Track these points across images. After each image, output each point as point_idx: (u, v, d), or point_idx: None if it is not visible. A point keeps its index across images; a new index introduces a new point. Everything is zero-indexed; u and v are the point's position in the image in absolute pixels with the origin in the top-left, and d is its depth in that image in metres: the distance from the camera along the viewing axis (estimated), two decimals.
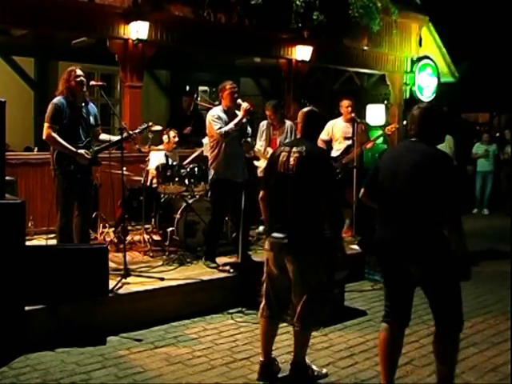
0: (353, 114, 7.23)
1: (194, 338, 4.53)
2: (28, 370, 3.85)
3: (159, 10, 7.26)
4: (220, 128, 5.42)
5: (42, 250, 4.64)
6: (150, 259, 5.86)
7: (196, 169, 6.15)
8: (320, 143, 7.43)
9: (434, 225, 3.15)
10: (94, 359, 4.05)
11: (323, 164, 3.69)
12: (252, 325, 4.74)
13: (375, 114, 10.78)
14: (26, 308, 4.10)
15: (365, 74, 11.64)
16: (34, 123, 9.21)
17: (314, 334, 4.40)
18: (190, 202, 6.13)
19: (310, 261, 3.56)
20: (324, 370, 3.89)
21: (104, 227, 6.42)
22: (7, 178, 4.95)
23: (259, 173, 6.66)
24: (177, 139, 6.87)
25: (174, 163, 6.30)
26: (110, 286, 4.62)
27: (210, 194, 5.86)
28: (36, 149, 8.13)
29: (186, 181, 6.09)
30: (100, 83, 5.43)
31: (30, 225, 6.23)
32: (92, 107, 5.24)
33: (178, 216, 6.06)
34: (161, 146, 6.70)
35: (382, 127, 8.45)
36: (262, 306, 3.82)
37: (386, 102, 11.00)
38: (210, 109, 5.80)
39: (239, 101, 5.54)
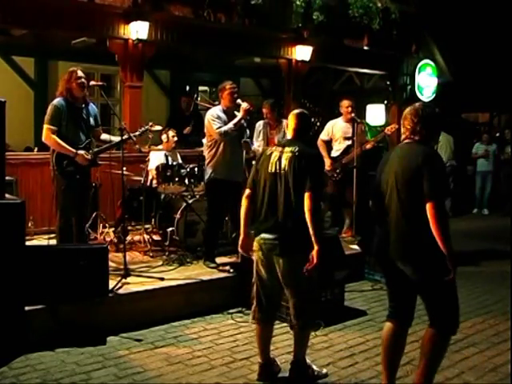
0: (353, 114, 7.23)
1: (194, 338, 4.53)
2: (28, 369, 3.85)
3: (159, 9, 7.27)
4: (219, 127, 5.42)
5: (42, 250, 4.64)
6: (150, 259, 5.86)
7: (196, 169, 6.15)
8: (320, 143, 7.48)
9: (425, 226, 3.13)
10: (94, 359, 4.05)
11: (314, 164, 3.67)
12: (252, 325, 4.72)
13: (375, 114, 10.77)
14: (26, 308, 4.10)
15: (365, 73, 11.64)
16: (34, 123, 9.20)
17: (313, 333, 4.41)
18: (190, 202, 6.12)
19: (300, 261, 3.54)
20: (324, 370, 3.89)
21: (104, 227, 6.41)
22: (7, 177, 4.96)
23: None
24: (176, 139, 6.86)
25: (174, 163, 6.30)
26: (110, 286, 4.62)
27: (206, 193, 5.85)
28: (36, 149, 8.13)
29: (186, 181, 6.09)
30: (100, 83, 5.44)
31: (30, 225, 6.23)
32: (92, 108, 5.23)
33: (177, 216, 6.06)
34: (160, 146, 6.70)
35: (382, 127, 8.45)
36: (253, 308, 3.81)
37: (385, 101, 11.01)
38: (209, 109, 5.80)
39: (239, 101, 5.54)
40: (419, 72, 10.78)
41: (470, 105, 15.02)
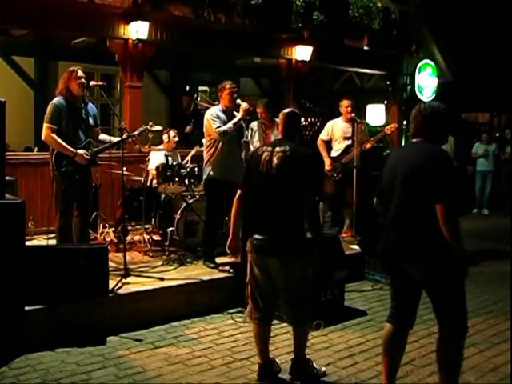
0: (353, 114, 7.23)
1: (194, 338, 4.53)
2: (28, 370, 3.85)
3: (159, 9, 7.27)
4: (219, 127, 5.42)
5: (42, 250, 4.64)
6: (149, 259, 5.87)
7: (196, 169, 6.15)
8: (320, 143, 7.48)
9: (435, 226, 3.12)
10: (94, 359, 4.05)
11: (308, 163, 3.66)
12: (251, 325, 4.73)
13: (375, 113, 10.78)
14: (26, 308, 4.10)
15: (365, 73, 11.65)
16: (34, 123, 9.22)
17: (314, 333, 4.43)
18: (190, 202, 6.13)
19: (293, 261, 3.55)
20: (323, 369, 3.89)
21: (104, 227, 6.42)
22: (7, 177, 4.95)
23: None
24: (177, 139, 6.87)
25: (174, 163, 6.30)
26: (110, 286, 4.62)
27: (204, 192, 5.85)
28: (36, 149, 8.14)
29: (186, 181, 6.09)
30: (100, 83, 5.42)
31: (30, 225, 6.23)
32: (91, 108, 5.23)
33: (177, 216, 6.06)
34: (161, 146, 6.70)
35: (382, 127, 8.45)
36: (248, 308, 3.81)
37: (385, 101, 11.01)
38: (209, 108, 5.80)
39: (238, 101, 5.53)
40: (419, 72, 10.78)
41: (470, 105, 15.02)
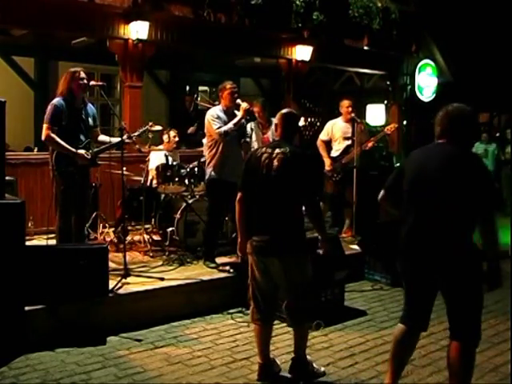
0: (353, 114, 7.23)
1: (194, 338, 4.53)
2: (28, 370, 3.85)
3: (159, 9, 7.27)
4: (219, 127, 5.42)
5: (42, 250, 4.64)
6: (149, 259, 5.86)
7: (196, 169, 6.15)
8: (320, 143, 7.48)
9: (466, 230, 3.07)
10: (94, 359, 4.05)
11: (308, 164, 3.68)
12: (252, 325, 4.73)
13: (375, 113, 10.79)
14: (26, 308, 4.11)
15: (365, 73, 11.65)
16: (34, 123, 9.21)
17: (314, 333, 4.43)
18: (190, 202, 6.13)
19: (293, 261, 3.57)
20: (322, 369, 3.89)
21: (104, 227, 6.42)
22: (7, 178, 4.96)
23: None
24: (177, 139, 6.87)
25: (174, 163, 6.31)
26: (110, 286, 4.62)
27: (206, 193, 5.86)
28: (36, 149, 8.13)
29: (186, 181, 6.09)
30: (100, 83, 5.42)
31: (30, 225, 6.23)
32: (91, 108, 5.23)
33: (177, 216, 6.06)
34: (161, 146, 6.70)
35: (382, 127, 8.46)
36: (251, 309, 3.82)
37: (385, 101, 11.02)
38: (209, 109, 5.80)
39: (239, 101, 5.54)
40: (419, 72, 10.78)
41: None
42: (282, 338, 4.45)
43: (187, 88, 11.65)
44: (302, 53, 8.77)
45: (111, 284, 4.64)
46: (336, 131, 7.40)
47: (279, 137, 3.79)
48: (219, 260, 5.70)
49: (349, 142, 7.26)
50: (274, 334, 4.08)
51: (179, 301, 5.01)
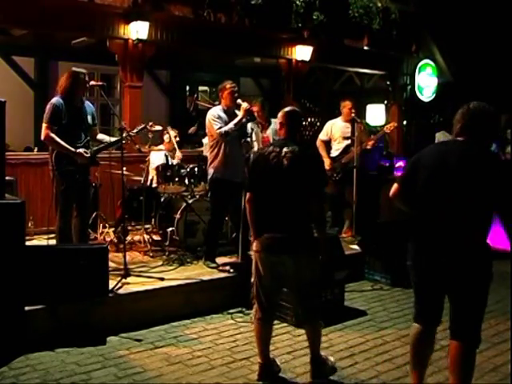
0: (353, 114, 7.24)
1: (194, 338, 4.53)
2: (28, 370, 3.85)
3: (159, 9, 7.27)
4: (220, 128, 5.42)
5: (42, 250, 4.64)
6: (149, 259, 5.86)
7: (196, 169, 6.15)
8: (319, 143, 7.48)
9: (482, 229, 3.06)
10: (94, 359, 4.05)
11: (317, 164, 3.72)
12: (252, 325, 4.71)
13: (375, 113, 10.79)
14: (26, 308, 4.11)
15: (365, 73, 11.65)
16: (34, 123, 9.21)
17: None
18: (190, 202, 6.12)
19: (305, 259, 3.57)
20: (332, 359, 3.92)
21: (104, 227, 6.42)
22: (7, 178, 4.96)
23: None
24: (178, 139, 6.87)
25: (174, 163, 6.30)
26: (110, 286, 4.62)
27: (209, 193, 5.87)
28: (36, 149, 8.14)
29: (186, 181, 6.09)
30: (100, 83, 5.42)
31: (30, 225, 6.23)
32: (89, 106, 5.22)
33: (177, 216, 6.06)
34: (161, 146, 6.70)
35: (381, 127, 8.46)
36: (254, 308, 3.82)
37: (385, 101, 11.02)
38: (209, 109, 5.80)
39: (239, 101, 5.53)
40: (419, 72, 10.78)
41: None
42: (282, 338, 4.45)
43: (187, 88, 11.65)
44: (302, 53, 8.78)
45: (111, 284, 4.64)
46: (335, 131, 7.40)
47: (285, 135, 3.77)
48: (219, 260, 5.70)
49: (348, 142, 7.27)
50: (274, 334, 4.08)
51: (179, 301, 5.00)
